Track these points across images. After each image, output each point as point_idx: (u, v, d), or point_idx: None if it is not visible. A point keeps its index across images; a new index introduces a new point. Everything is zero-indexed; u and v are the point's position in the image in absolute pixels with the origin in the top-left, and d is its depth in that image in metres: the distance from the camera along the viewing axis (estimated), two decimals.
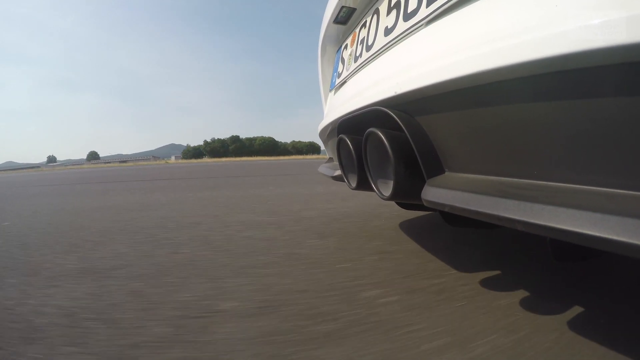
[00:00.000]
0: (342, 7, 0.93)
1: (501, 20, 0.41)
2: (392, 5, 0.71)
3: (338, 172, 1.02)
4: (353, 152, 0.75)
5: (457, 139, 0.52)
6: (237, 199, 2.69)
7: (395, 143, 0.60)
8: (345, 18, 0.98)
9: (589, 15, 0.29)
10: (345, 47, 1.05)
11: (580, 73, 0.31)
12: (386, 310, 0.68)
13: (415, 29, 0.61)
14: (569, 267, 0.89)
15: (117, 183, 5.22)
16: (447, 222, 0.82)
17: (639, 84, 0.27)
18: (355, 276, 0.88)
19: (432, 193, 0.53)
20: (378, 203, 2.12)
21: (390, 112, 0.59)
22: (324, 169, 1.29)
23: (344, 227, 1.49)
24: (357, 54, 0.91)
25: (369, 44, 0.82)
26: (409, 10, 0.63)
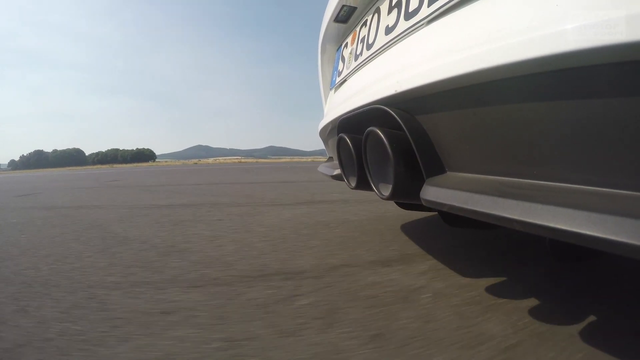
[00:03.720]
0: (343, 5, 0.93)
1: (502, 19, 0.41)
2: (393, 4, 0.71)
3: (337, 172, 1.02)
4: (353, 151, 0.75)
5: (456, 138, 0.52)
6: None
7: (394, 142, 0.60)
8: (345, 17, 0.97)
9: (589, 14, 0.28)
10: (346, 45, 1.05)
11: (580, 72, 0.30)
12: None
13: (416, 28, 0.61)
14: (568, 267, 0.89)
15: None
16: (446, 222, 0.82)
17: (638, 83, 0.27)
18: None
19: (431, 192, 0.53)
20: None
21: (390, 110, 0.59)
22: (323, 168, 1.29)
23: None
24: (358, 53, 0.91)
25: (370, 42, 0.82)
26: (410, 9, 0.63)
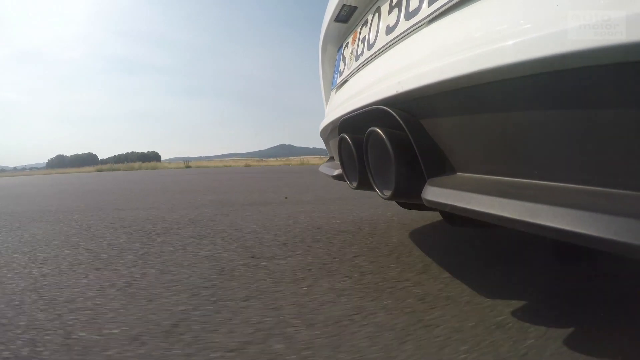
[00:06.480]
0: (344, 5, 0.93)
1: (502, 19, 0.41)
2: (393, 4, 0.71)
3: (339, 171, 1.02)
4: (354, 151, 0.75)
5: (457, 138, 0.52)
6: None
7: (396, 142, 0.60)
8: (346, 16, 0.97)
9: (589, 14, 0.28)
10: (347, 45, 1.05)
11: (580, 73, 0.30)
12: None
13: (417, 28, 0.61)
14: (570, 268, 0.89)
15: None
16: (448, 222, 0.82)
17: (638, 83, 0.27)
18: None
19: (433, 193, 0.53)
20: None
21: (391, 111, 0.59)
22: (324, 168, 1.29)
23: None
24: (359, 53, 0.91)
25: (371, 42, 0.82)
26: (411, 9, 0.63)
